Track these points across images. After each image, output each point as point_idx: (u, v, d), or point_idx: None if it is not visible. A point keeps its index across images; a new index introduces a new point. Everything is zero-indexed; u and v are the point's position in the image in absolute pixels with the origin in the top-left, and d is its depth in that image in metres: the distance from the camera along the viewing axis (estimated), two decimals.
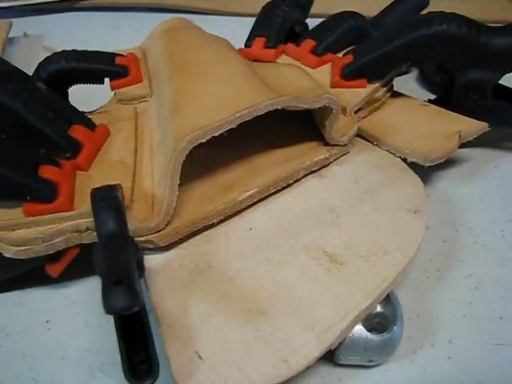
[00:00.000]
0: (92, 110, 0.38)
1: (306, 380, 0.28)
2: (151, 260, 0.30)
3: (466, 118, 0.38)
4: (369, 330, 0.27)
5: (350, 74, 0.39)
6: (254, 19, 0.48)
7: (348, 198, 0.33)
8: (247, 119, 0.29)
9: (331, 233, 0.31)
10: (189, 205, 0.31)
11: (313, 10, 0.54)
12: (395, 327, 0.28)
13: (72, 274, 0.33)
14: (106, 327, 0.31)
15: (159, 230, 0.30)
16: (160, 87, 0.36)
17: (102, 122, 0.35)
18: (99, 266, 0.24)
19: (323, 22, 0.46)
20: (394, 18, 0.48)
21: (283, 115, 0.32)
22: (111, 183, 0.29)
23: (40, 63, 0.38)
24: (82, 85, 0.39)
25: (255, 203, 0.33)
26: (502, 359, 0.29)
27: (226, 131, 0.29)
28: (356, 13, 0.45)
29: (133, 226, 0.29)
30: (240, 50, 0.45)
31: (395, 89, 0.43)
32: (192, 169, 0.31)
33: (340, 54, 0.43)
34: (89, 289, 0.33)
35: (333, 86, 0.40)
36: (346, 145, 0.36)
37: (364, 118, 0.40)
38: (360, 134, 0.38)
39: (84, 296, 0.33)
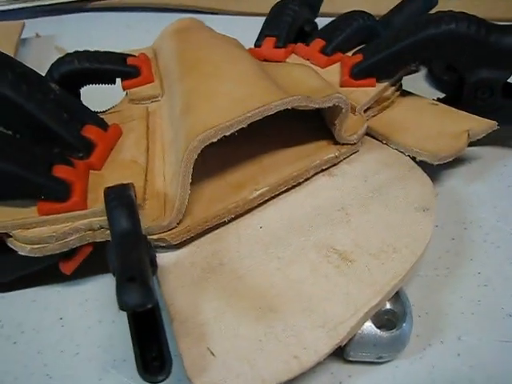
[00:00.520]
0: (104, 109, 0.38)
1: (316, 376, 0.29)
2: (163, 258, 0.30)
3: (474, 116, 0.38)
4: (378, 327, 0.28)
5: (359, 74, 0.40)
6: (263, 18, 0.48)
7: (357, 196, 0.34)
8: (258, 119, 0.30)
9: (341, 231, 0.31)
10: (200, 203, 0.32)
11: (322, 9, 0.54)
12: (404, 324, 0.28)
13: (85, 271, 0.34)
14: (119, 324, 0.32)
15: (171, 229, 0.30)
16: (171, 87, 0.37)
17: (114, 121, 0.36)
18: (113, 263, 0.24)
19: (333, 21, 0.46)
20: (403, 17, 0.48)
21: (293, 114, 0.32)
22: (124, 182, 0.30)
23: (53, 64, 0.38)
24: (93, 85, 0.39)
25: (266, 202, 0.33)
26: (511, 356, 0.29)
27: (237, 130, 0.29)
28: (365, 12, 0.45)
29: (145, 225, 0.29)
30: (250, 49, 0.45)
31: (404, 88, 0.43)
32: (203, 168, 0.32)
33: (349, 54, 0.43)
34: (102, 286, 0.34)
35: (342, 85, 0.40)
36: (355, 143, 0.36)
37: (373, 116, 0.40)
38: (369, 133, 0.38)
39: (97, 293, 0.33)
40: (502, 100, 0.39)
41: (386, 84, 0.40)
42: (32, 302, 0.33)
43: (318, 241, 0.31)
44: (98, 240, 0.31)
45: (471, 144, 0.37)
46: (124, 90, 0.39)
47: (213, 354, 0.26)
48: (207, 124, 0.29)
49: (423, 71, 0.54)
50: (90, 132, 0.33)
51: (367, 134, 0.38)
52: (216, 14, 0.71)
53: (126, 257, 0.24)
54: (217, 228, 0.32)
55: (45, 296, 0.34)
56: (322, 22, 0.49)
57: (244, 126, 0.29)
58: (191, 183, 0.29)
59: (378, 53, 0.39)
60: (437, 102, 0.41)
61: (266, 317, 0.27)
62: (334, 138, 0.35)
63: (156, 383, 0.23)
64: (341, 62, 0.42)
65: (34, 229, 0.29)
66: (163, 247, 0.31)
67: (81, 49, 0.40)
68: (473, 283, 0.33)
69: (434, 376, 0.29)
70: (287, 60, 0.44)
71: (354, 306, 0.27)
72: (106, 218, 0.28)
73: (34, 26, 0.67)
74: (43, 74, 0.36)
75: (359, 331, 0.27)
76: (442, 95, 0.43)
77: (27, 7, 0.70)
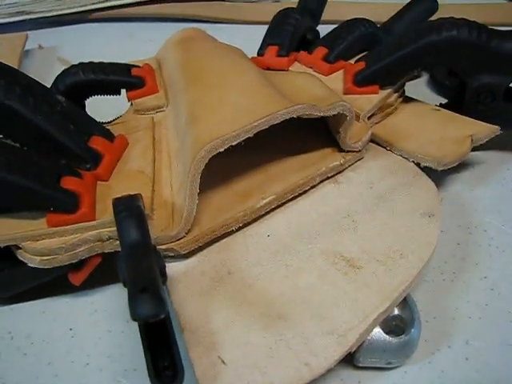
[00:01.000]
0: (109, 120, 0.39)
1: (326, 383, 0.29)
2: (172, 267, 0.31)
3: (477, 121, 0.38)
4: (387, 333, 0.28)
5: (362, 81, 0.40)
6: (265, 27, 0.49)
7: (363, 203, 0.34)
8: (264, 128, 0.30)
9: (348, 237, 0.32)
10: (208, 213, 0.32)
11: (323, 17, 0.54)
12: (413, 329, 0.28)
13: (93, 282, 0.34)
14: (129, 334, 0.32)
15: (179, 239, 0.30)
16: (176, 97, 0.37)
17: (120, 132, 0.36)
18: (124, 274, 0.24)
19: (335, 29, 0.46)
20: (404, 24, 0.49)
21: (297, 122, 0.32)
22: (131, 193, 0.30)
23: (58, 76, 0.39)
24: (98, 96, 0.40)
25: (273, 210, 0.34)
26: None
27: (243, 140, 0.30)
28: (367, 20, 0.46)
29: (154, 235, 0.29)
30: (253, 58, 0.45)
31: (406, 94, 0.43)
32: (210, 177, 0.32)
33: (352, 61, 0.44)
34: (110, 296, 0.34)
35: (346, 92, 0.40)
36: (360, 151, 0.36)
37: (377, 123, 0.40)
38: (373, 140, 0.38)
39: (106, 303, 0.34)
40: (504, 105, 0.39)
41: (389, 91, 0.40)
42: (41, 313, 0.33)
43: (325, 248, 0.31)
44: (106, 251, 0.31)
45: (474, 149, 0.37)
46: (129, 100, 0.39)
47: (224, 363, 0.26)
48: (213, 134, 0.29)
49: (425, 77, 0.54)
50: (97, 143, 0.33)
51: (371, 140, 0.38)
52: (218, 23, 0.71)
53: (137, 268, 0.24)
54: (224, 237, 0.32)
55: (54, 307, 0.34)
56: (323, 29, 0.49)
57: (250, 136, 0.30)
58: (198, 193, 0.30)
59: (381, 60, 0.39)
60: (439, 108, 0.41)
61: (276, 324, 0.27)
62: (338, 145, 0.36)
63: None
64: (343, 69, 0.43)
65: (43, 240, 0.30)
66: (172, 257, 0.31)
67: (83, 59, 0.40)
68: (479, 287, 0.33)
69: (443, 380, 0.29)
70: (290, 68, 0.45)
71: (363, 312, 0.27)
72: (114, 228, 0.28)
73: (36, 38, 0.68)
74: (47, 85, 0.36)
75: (368, 337, 0.28)
76: (444, 100, 0.44)
77: (30, 19, 0.71)
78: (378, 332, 0.28)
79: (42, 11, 0.71)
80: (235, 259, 0.31)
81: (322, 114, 0.32)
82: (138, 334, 0.25)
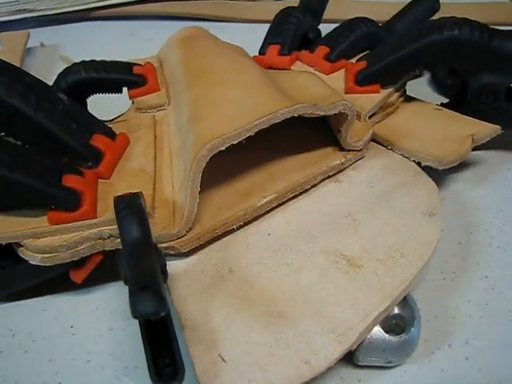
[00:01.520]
0: (111, 118, 0.39)
1: (326, 381, 0.29)
2: (173, 266, 0.31)
3: (478, 121, 0.38)
4: (387, 332, 0.28)
5: (363, 80, 0.40)
6: (266, 26, 0.49)
7: (364, 202, 0.34)
8: (265, 127, 0.30)
9: (349, 237, 0.32)
10: (209, 211, 0.32)
11: (325, 16, 0.54)
12: (413, 328, 0.28)
13: (95, 280, 0.34)
14: (130, 331, 0.32)
15: (180, 237, 0.30)
16: (177, 95, 0.37)
17: (121, 130, 0.36)
18: (125, 272, 0.24)
19: (336, 28, 0.46)
20: (406, 23, 0.48)
21: (298, 121, 0.32)
22: (132, 191, 0.30)
23: (60, 74, 0.39)
24: (100, 94, 0.40)
25: (274, 208, 0.34)
26: None
27: (244, 138, 0.30)
28: (368, 19, 0.46)
29: (155, 233, 0.29)
30: (254, 57, 0.45)
31: (408, 93, 0.43)
32: (211, 176, 0.32)
33: (353, 60, 0.44)
34: (111, 294, 0.34)
35: (347, 91, 0.40)
36: (361, 150, 0.36)
37: (378, 122, 0.40)
38: (374, 139, 0.38)
39: (107, 301, 0.34)
40: (506, 104, 0.39)
41: (390, 90, 0.40)
42: (42, 310, 0.34)
43: (326, 247, 0.31)
44: (107, 248, 0.31)
45: (475, 148, 0.37)
46: (130, 98, 0.39)
47: (224, 361, 0.26)
48: (215, 133, 0.29)
49: (426, 76, 0.54)
50: (99, 141, 0.33)
51: (372, 139, 0.38)
52: (220, 21, 0.71)
53: (138, 266, 0.24)
54: (225, 235, 0.32)
55: (55, 305, 0.34)
56: (325, 28, 0.49)
57: (251, 134, 0.30)
58: (199, 191, 0.30)
59: (382, 59, 0.39)
60: (441, 107, 0.41)
61: (276, 323, 0.27)
62: (339, 144, 0.36)
63: None
64: (345, 68, 0.43)
65: (44, 238, 0.30)
66: (173, 255, 0.31)
67: (85, 57, 0.40)
68: (480, 287, 0.33)
69: (443, 380, 0.29)
70: (292, 67, 0.45)
71: (363, 311, 0.27)
72: (115, 226, 0.28)
73: (38, 36, 0.68)
74: (49, 83, 0.36)
75: (368, 336, 0.28)
76: (445, 100, 0.44)
77: (32, 17, 0.71)
78: (378, 331, 0.28)
79: (44, 9, 0.71)
80: (236, 257, 0.31)
81: (323, 113, 0.32)
82: (139, 331, 0.25)
